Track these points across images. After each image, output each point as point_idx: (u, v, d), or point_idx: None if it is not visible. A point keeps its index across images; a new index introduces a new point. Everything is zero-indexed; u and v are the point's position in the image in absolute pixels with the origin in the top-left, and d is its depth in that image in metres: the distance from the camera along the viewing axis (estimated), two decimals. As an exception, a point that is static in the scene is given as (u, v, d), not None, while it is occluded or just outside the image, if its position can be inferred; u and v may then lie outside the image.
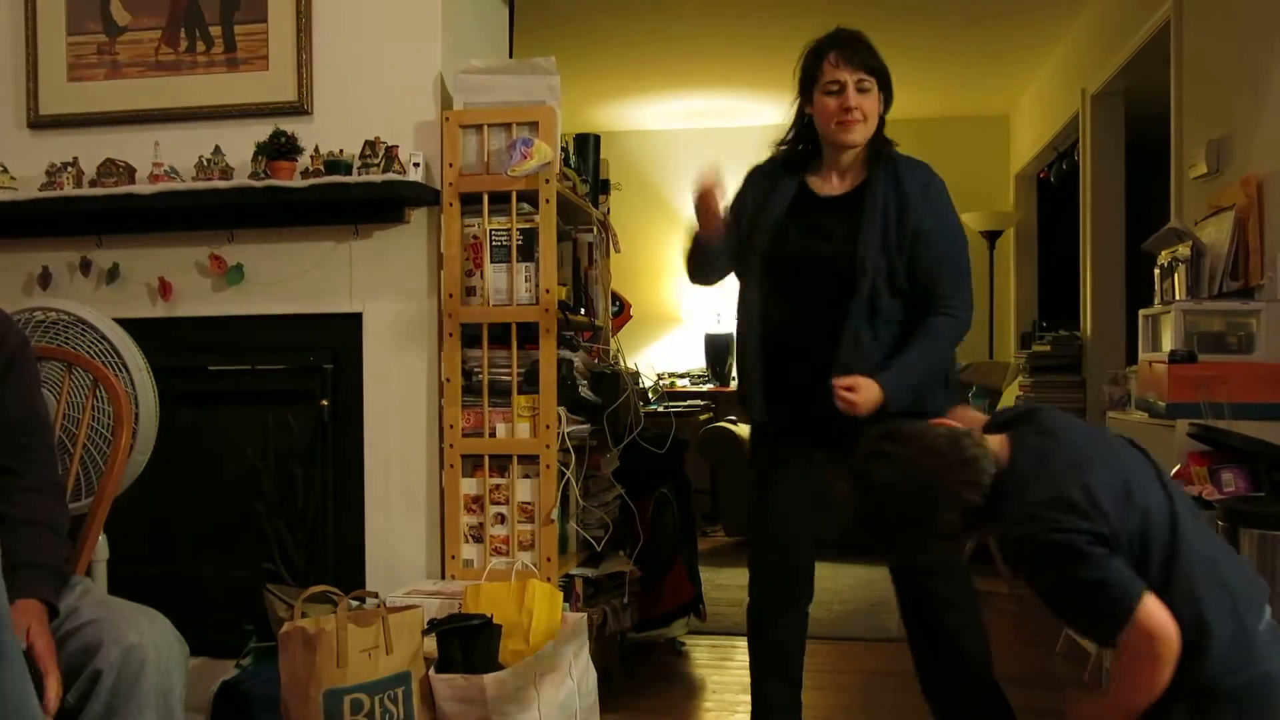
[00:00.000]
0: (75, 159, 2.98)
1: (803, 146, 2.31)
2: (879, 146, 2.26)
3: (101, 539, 2.13)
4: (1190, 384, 2.43)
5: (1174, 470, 2.27)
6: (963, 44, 5.14)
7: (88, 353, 2.31)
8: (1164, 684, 1.35)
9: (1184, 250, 2.97)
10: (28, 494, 1.69)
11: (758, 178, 2.36)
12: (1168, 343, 2.72)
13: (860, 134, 2.21)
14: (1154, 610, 1.34)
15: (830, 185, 2.29)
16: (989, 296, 6.07)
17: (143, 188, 2.90)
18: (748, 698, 2.55)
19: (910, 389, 2.12)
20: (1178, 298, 2.94)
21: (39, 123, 3.09)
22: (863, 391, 2.08)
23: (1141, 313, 3.05)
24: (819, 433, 2.19)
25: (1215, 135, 3.11)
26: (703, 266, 2.36)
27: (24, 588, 1.53)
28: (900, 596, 2.33)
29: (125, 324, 2.48)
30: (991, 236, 6.05)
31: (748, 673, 2.43)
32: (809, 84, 2.24)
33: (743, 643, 2.46)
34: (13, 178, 2.98)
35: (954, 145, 6.19)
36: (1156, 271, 3.20)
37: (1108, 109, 4.66)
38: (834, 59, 2.18)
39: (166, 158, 2.94)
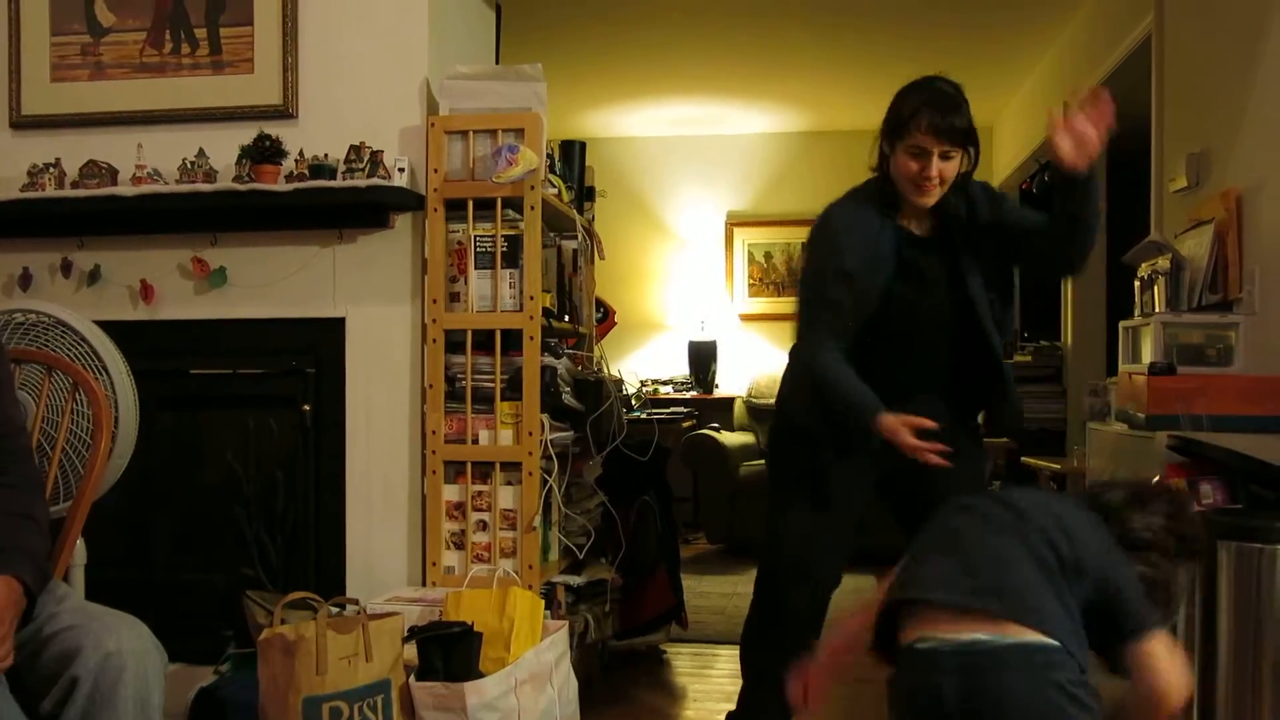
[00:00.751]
0: (57, 160, 2.96)
1: (882, 187, 2.25)
2: (956, 193, 2.22)
3: (80, 543, 2.12)
4: (1170, 396, 2.45)
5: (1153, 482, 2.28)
6: (947, 55, 5.17)
7: (68, 355, 2.29)
8: None
9: (1164, 263, 2.99)
10: (7, 490, 1.67)
11: (849, 229, 2.24)
12: (1147, 355, 2.74)
13: (934, 197, 2.18)
14: None
15: (916, 224, 2.26)
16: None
17: (125, 189, 2.88)
18: (729, 706, 2.56)
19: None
20: (1157, 310, 2.96)
21: (21, 123, 3.07)
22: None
23: (1122, 324, 3.07)
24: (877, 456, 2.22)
25: (1195, 149, 3.14)
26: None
27: None
28: None
29: (106, 326, 2.46)
30: (974, 247, 6.09)
31: (729, 681, 2.43)
32: (893, 132, 2.17)
33: (725, 651, 2.46)
34: (-6, 178, 2.96)
35: (938, 156, 6.21)
36: (1136, 284, 3.22)
37: (1090, 122, 4.70)
38: (924, 125, 2.11)
39: (150, 160, 2.92)
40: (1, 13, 3.07)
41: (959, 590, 1.37)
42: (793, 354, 2.42)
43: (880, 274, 2.22)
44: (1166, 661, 1.40)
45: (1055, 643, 1.32)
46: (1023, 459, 3.91)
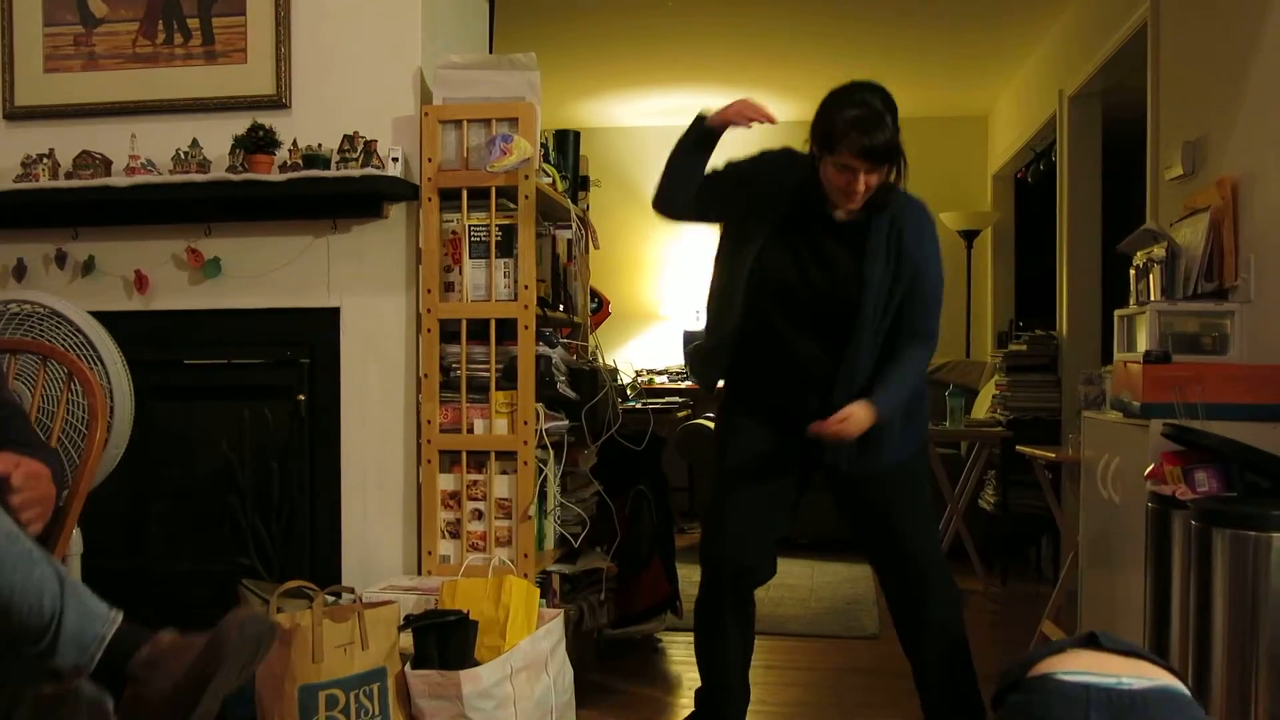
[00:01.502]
0: (51, 151, 2.95)
1: (810, 177, 2.27)
2: (882, 196, 2.25)
3: (76, 533, 2.12)
4: (1165, 384, 2.45)
5: (1147, 470, 2.29)
6: (942, 45, 5.17)
7: (62, 346, 2.29)
8: None
9: (1159, 251, 2.99)
10: (17, 447, 1.69)
11: (778, 157, 2.36)
12: (1143, 343, 2.75)
13: (860, 203, 2.21)
14: None
15: (836, 211, 2.28)
16: (966, 296, 6.11)
17: (119, 180, 2.88)
18: (724, 694, 2.57)
19: (895, 408, 2.24)
20: (1153, 298, 2.96)
21: (14, 114, 3.06)
22: (853, 420, 2.17)
23: (1117, 313, 3.07)
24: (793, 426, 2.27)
25: (1191, 137, 3.13)
26: (679, 176, 2.34)
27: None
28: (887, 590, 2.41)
29: (101, 317, 2.47)
30: (969, 236, 6.09)
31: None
32: (822, 145, 2.19)
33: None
34: (-13, 169, 2.95)
35: (932, 145, 6.21)
36: (1132, 272, 3.22)
37: (1085, 110, 4.70)
38: (853, 148, 2.12)
39: (143, 150, 2.91)
40: (-6, 3, 3.07)
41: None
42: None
43: (775, 205, 2.28)
44: None
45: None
46: (1017, 448, 3.91)
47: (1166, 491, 2.21)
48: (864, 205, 2.23)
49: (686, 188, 2.34)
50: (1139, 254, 3.16)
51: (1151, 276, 3.03)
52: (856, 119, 2.13)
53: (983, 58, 5.40)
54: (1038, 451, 3.68)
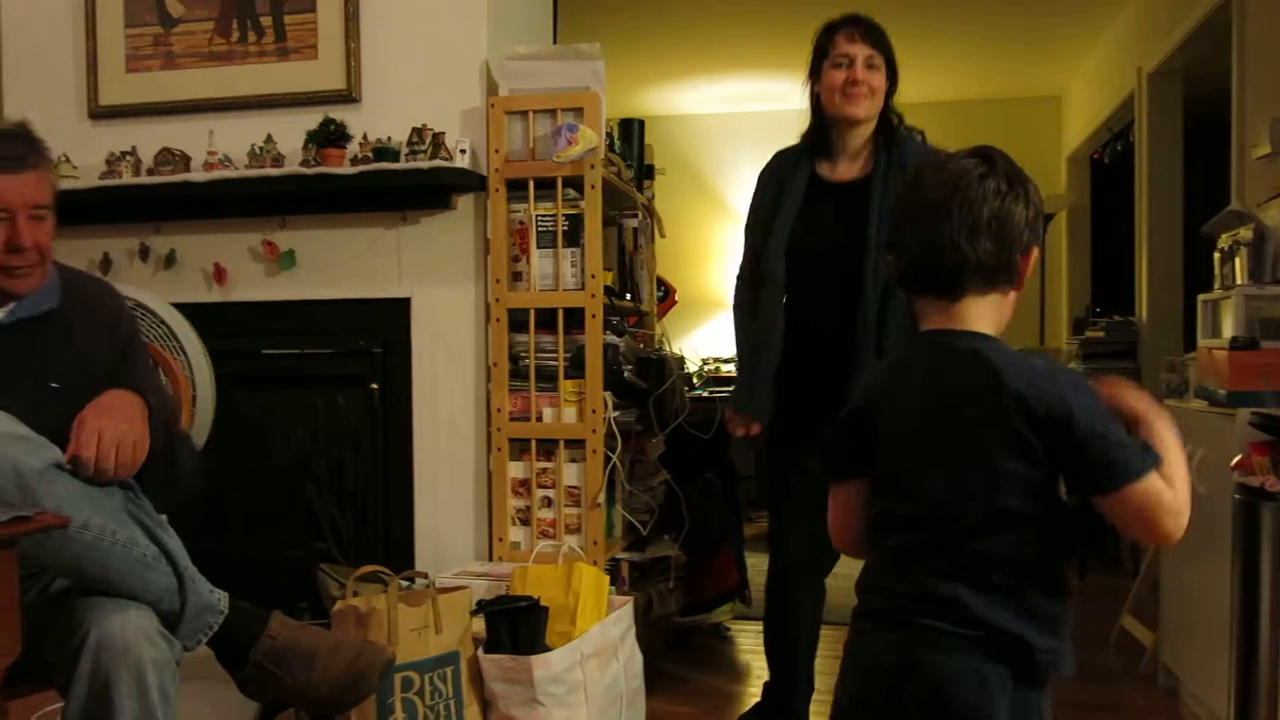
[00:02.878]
0: (133, 148, 3.04)
1: (813, 131, 2.33)
2: (888, 131, 2.25)
3: (162, 518, 2.19)
4: (1252, 371, 2.38)
5: (1234, 461, 2.22)
6: (1014, 24, 5.05)
7: (147, 337, 2.36)
8: None
9: (1245, 233, 2.89)
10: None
11: (768, 176, 2.41)
12: (1228, 329, 2.66)
13: (865, 108, 2.23)
14: None
15: (840, 171, 2.28)
16: (1040, 281, 5.97)
17: (198, 175, 2.95)
18: (793, 682, 2.56)
19: None
20: (1239, 282, 2.87)
21: (99, 113, 3.16)
22: None
23: (1200, 298, 2.98)
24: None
25: (1279, 113, 3.02)
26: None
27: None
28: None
29: (182, 308, 2.54)
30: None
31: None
32: (819, 59, 2.28)
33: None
34: (74, 167, 3.05)
35: (1004, 128, 6.09)
36: (1216, 255, 3.12)
37: (1165, 88, 4.56)
38: (846, 34, 2.23)
39: (220, 146, 2.99)
40: (79, 7, 3.16)
41: None
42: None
43: (785, 215, 2.29)
44: None
45: None
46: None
47: (1254, 483, 2.15)
48: (874, 143, 2.22)
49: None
50: (1224, 236, 3.06)
51: (1237, 259, 2.94)
52: (845, 16, 2.28)
53: (1056, 36, 5.26)
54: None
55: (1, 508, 1.34)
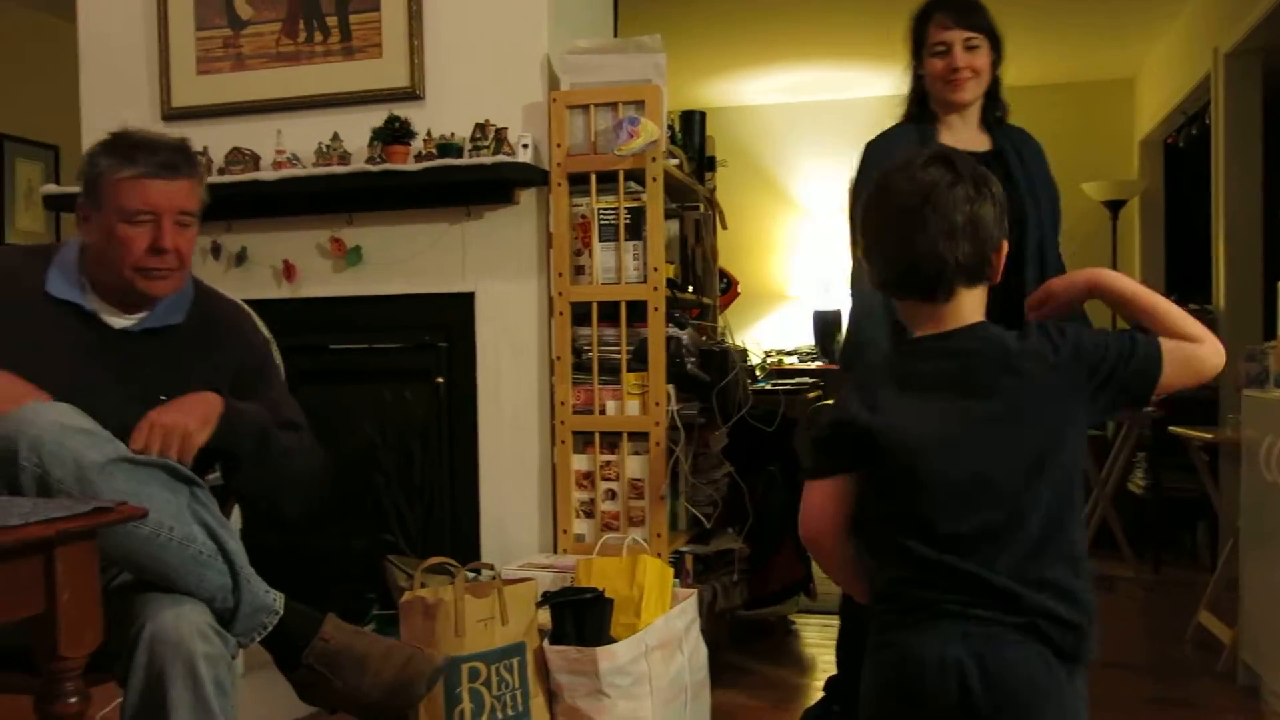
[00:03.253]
0: (205, 148, 3.11)
1: (920, 110, 2.30)
2: (994, 110, 2.23)
3: (235, 511, 2.24)
4: (1334, 358, 2.30)
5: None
6: (1085, 7, 4.92)
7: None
8: None
9: (1327, 216, 2.80)
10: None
11: (883, 146, 2.32)
12: (1309, 315, 2.57)
13: (971, 91, 2.21)
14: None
15: (964, 142, 2.24)
16: (1112, 269, 5.83)
17: (267, 174, 3.01)
18: (860, 676, 2.54)
19: None
20: (1320, 267, 2.77)
21: (171, 115, 3.24)
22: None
23: (1280, 284, 2.89)
24: None
25: (1363, 93, 2.92)
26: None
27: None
28: None
29: (254, 304, 2.57)
30: (1114, 206, 5.80)
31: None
32: (918, 48, 2.25)
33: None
34: (148, 168, 3.13)
35: (1075, 112, 5.95)
36: (1297, 240, 3.03)
37: (1243, 68, 4.41)
38: (940, 20, 2.18)
39: (288, 145, 3.04)
40: (151, 12, 3.24)
41: None
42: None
43: None
44: None
45: None
46: (1170, 428, 3.72)
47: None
48: (983, 120, 2.19)
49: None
50: (1305, 220, 2.96)
51: (1319, 244, 2.84)
52: (938, 2, 2.22)
53: (1128, 18, 5.12)
54: (1194, 432, 3.49)
55: (81, 499, 1.38)
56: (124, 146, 1.75)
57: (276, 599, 1.70)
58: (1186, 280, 5.52)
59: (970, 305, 1.32)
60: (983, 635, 1.21)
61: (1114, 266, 5.77)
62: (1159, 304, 1.33)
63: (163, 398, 1.76)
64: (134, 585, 1.60)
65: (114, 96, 3.30)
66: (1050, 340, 1.28)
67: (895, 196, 1.31)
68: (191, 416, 1.68)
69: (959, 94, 2.21)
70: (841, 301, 6.33)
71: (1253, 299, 4.39)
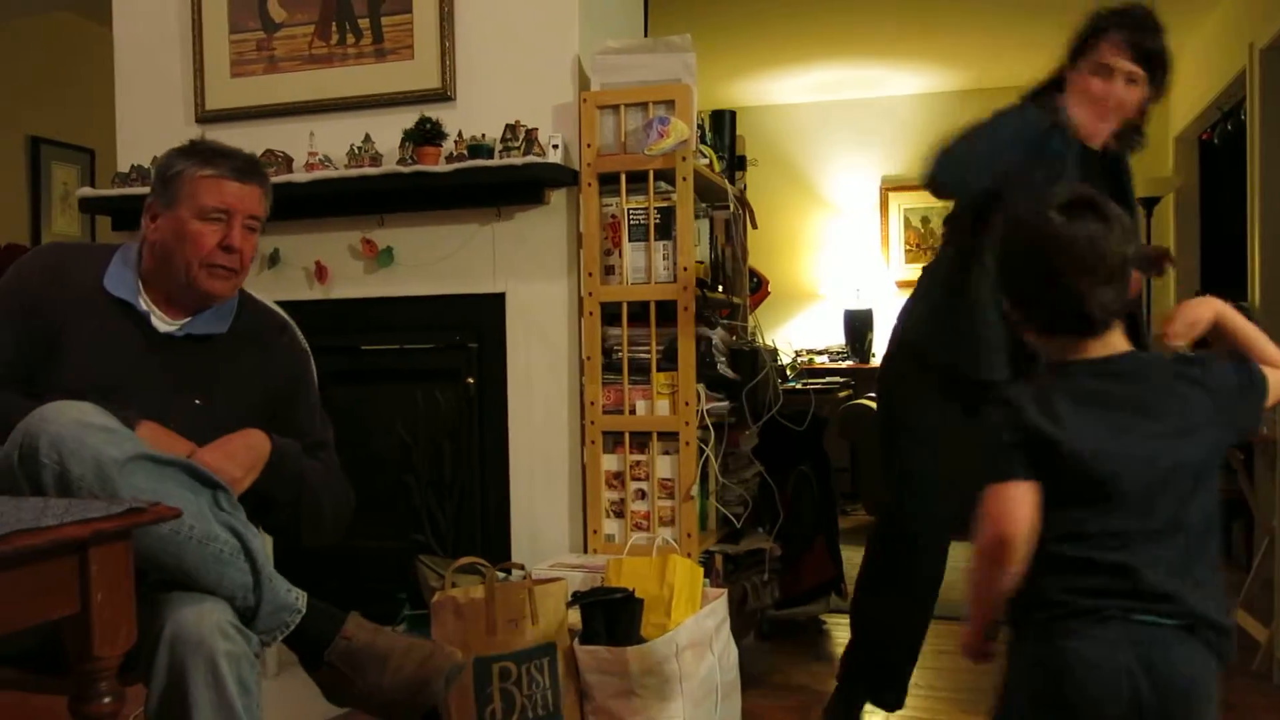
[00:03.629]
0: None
1: (1049, 101, 2.11)
2: (1133, 138, 2.12)
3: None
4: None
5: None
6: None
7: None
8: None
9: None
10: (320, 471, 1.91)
11: (1011, 126, 2.09)
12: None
13: (1105, 129, 2.08)
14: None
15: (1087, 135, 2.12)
16: (1146, 267, 5.75)
17: (300, 176, 3.04)
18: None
19: None
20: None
21: (205, 117, 3.27)
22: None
23: (1320, 281, 2.85)
24: None
25: (1406, 87, 2.87)
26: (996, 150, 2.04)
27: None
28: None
29: (286, 305, 2.60)
30: (1149, 203, 5.73)
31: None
32: (1078, 53, 2.08)
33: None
34: (183, 170, 3.16)
35: (1108, 108, 5.88)
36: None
37: (1279, 64, 4.35)
38: (1114, 40, 2.02)
39: (320, 147, 3.07)
40: (185, 15, 3.28)
41: None
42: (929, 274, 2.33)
43: (1046, 171, 1.99)
44: None
45: None
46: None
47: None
48: (1111, 143, 2.08)
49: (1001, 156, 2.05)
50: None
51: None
52: (1121, 17, 2.02)
53: (1162, 9, 5.05)
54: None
55: (113, 500, 1.40)
56: (204, 150, 1.85)
57: (299, 597, 1.71)
58: (1222, 278, 5.45)
59: (1119, 333, 1.38)
60: (1149, 639, 1.28)
61: (1148, 264, 5.68)
62: (1262, 337, 1.43)
63: (197, 402, 1.79)
64: (155, 585, 1.61)
65: (149, 99, 3.34)
66: (1205, 370, 1.37)
67: (1049, 250, 1.35)
68: (237, 463, 1.71)
69: (1094, 127, 2.05)
70: (871, 300, 6.31)
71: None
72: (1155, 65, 2.03)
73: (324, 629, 1.73)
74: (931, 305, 2.31)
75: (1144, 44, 2.01)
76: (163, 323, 1.84)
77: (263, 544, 1.69)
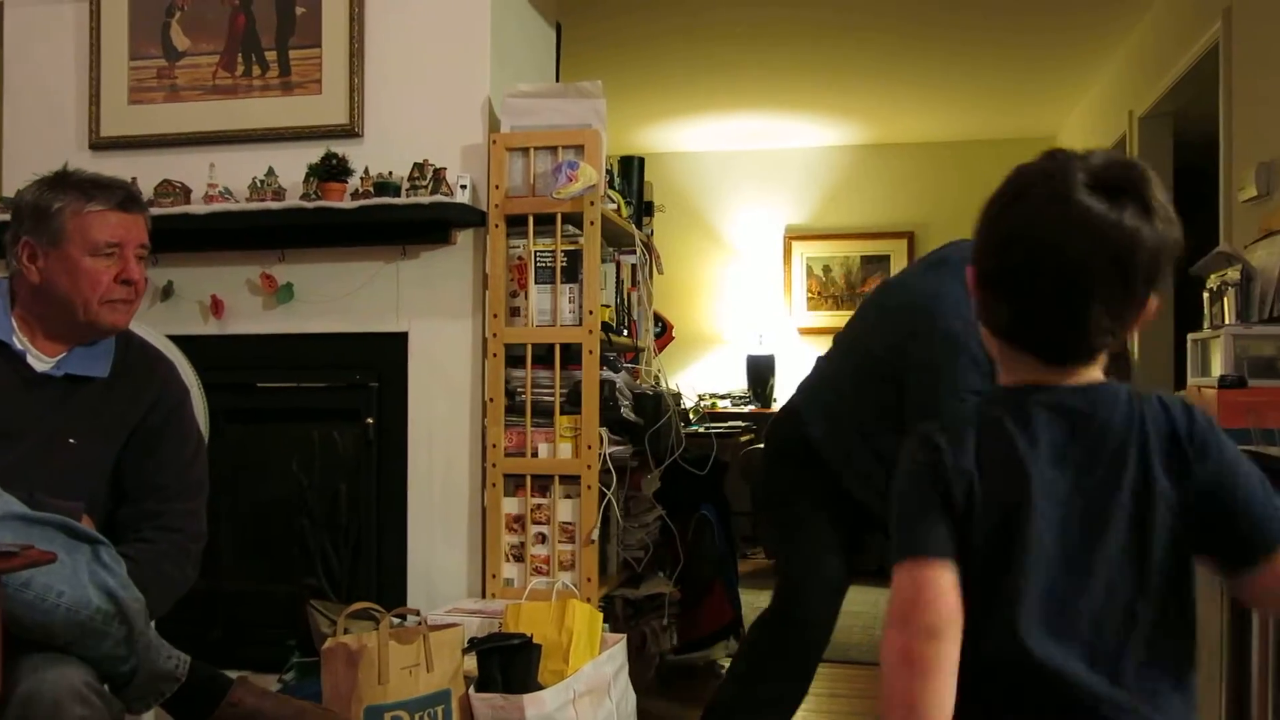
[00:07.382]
0: (134, 179, 3.01)
1: None
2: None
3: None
4: (1240, 409, 2.39)
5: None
6: (1010, 67, 5.12)
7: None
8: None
9: (1233, 274, 2.92)
10: (152, 555, 1.78)
11: None
12: (1217, 367, 2.68)
13: None
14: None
15: None
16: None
17: (198, 208, 2.97)
18: (787, 722, 2.54)
19: None
20: (1227, 322, 2.89)
21: (99, 144, 3.18)
22: None
23: (1190, 337, 3.00)
24: None
25: (1265, 158, 3.06)
26: None
27: None
28: None
29: (178, 340, 2.54)
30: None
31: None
32: None
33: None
34: (73, 198, 3.06)
35: (999, 168, 6.03)
36: (1205, 295, 3.15)
37: (1156, 131, 4.61)
38: None
39: (221, 178, 3.00)
40: (83, 38, 3.19)
41: None
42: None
43: None
44: None
45: None
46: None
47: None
48: None
49: None
50: (1212, 277, 3.09)
51: (1226, 300, 2.96)
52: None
53: (1050, 78, 5.33)
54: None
55: None
56: (79, 183, 1.80)
57: (180, 664, 1.65)
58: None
59: (1098, 364, 1.14)
60: None
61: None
62: None
63: (71, 441, 1.73)
64: (25, 642, 1.52)
65: (39, 123, 3.23)
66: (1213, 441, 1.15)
67: (1067, 243, 1.08)
68: None
69: None
70: (774, 346, 6.42)
71: (1164, 350, 4.55)
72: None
73: (209, 694, 1.69)
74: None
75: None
76: (39, 361, 1.77)
77: (143, 606, 1.61)
